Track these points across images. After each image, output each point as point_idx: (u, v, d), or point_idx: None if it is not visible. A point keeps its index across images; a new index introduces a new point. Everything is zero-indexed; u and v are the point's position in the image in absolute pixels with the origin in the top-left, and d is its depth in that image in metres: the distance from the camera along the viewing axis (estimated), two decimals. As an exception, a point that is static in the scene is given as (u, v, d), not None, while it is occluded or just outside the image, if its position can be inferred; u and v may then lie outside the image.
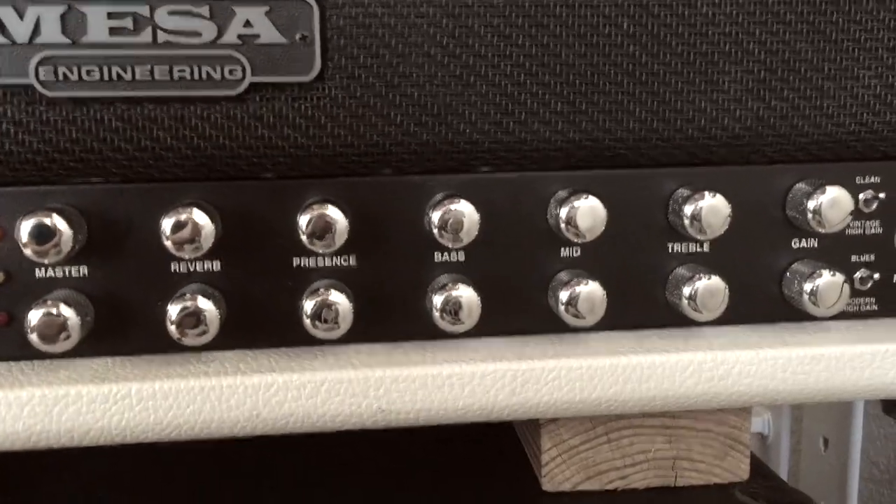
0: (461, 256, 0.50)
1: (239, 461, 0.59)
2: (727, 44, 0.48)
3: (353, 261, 0.49)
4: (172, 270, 0.48)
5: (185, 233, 0.45)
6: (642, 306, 0.51)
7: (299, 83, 0.46)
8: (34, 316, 0.45)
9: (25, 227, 0.44)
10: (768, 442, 1.13)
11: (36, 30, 0.43)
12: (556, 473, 0.53)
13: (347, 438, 0.61)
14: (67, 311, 0.45)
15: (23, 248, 0.44)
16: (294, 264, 0.49)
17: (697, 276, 0.49)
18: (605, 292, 0.48)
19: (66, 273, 0.47)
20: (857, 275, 0.53)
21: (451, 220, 0.47)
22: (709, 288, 0.49)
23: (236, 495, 0.55)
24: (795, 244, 0.52)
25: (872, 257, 0.53)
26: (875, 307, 0.53)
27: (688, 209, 0.49)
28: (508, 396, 0.47)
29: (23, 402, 0.44)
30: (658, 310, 0.51)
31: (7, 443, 0.44)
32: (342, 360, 0.48)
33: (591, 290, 0.48)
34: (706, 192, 0.49)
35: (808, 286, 0.50)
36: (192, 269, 0.48)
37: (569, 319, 0.49)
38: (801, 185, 0.51)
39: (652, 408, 0.49)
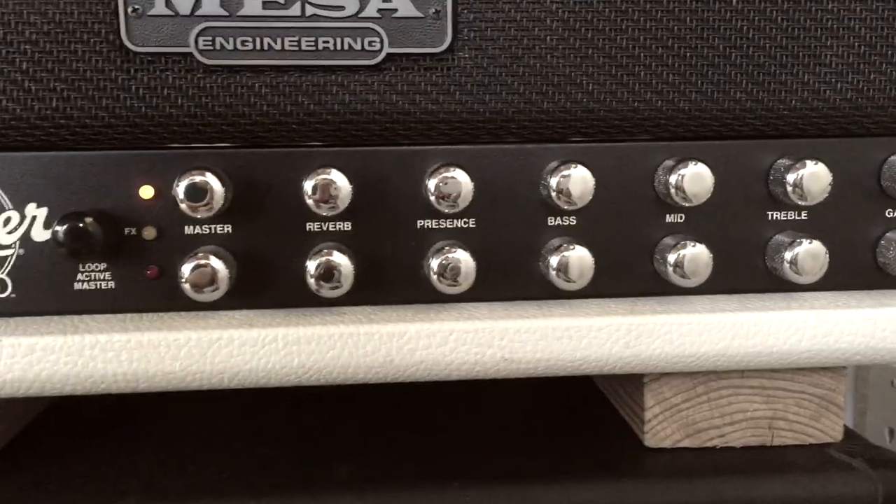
0: (573, 221, 0.53)
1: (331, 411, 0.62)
2: (829, 20, 0.51)
3: (472, 223, 0.52)
4: (308, 229, 0.51)
5: (326, 193, 0.49)
6: (743, 270, 0.54)
7: (431, 54, 0.50)
8: (187, 268, 0.48)
9: (183, 185, 0.48)
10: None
11: (197, 2, 0.47)
12: (658, 430, 0.56)
13: (445, 401, 0.64)
14: (217, 264, 0.49)
15: (179, 204, 0.48)
16: (418, 226, 0.52)
17: (798, 240, 0.52)
18: (710, 255, 0.51)
19: (212, 230, 0.50)
20: (951, 245, 0.55)
21: (566, 186, 0.50)
22: (810, 251, 0.52)
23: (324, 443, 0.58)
24: (889, 213, 0.54)
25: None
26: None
27: (790, 177, 0.52)
28: (623, 349, 0.50)
29: (180, 344, 0.48)
30: (758, 274, 0.54)
31: (164, 382, 0.48)
32: (464, 313, 0.51)
33: (697, 253, 0.51)
34: (808, 161, 0.51)
35: (903, 253, 0.53)
36: (325, 229, 0.51)
37: (676, 280, 0.52)
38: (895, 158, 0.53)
39: (758, 364, 0.51)
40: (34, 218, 0.50)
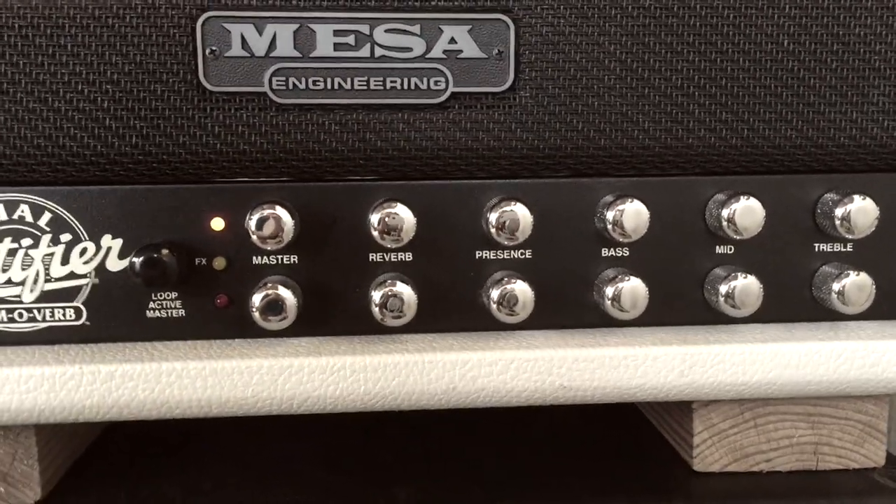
0: (626, 252, 0.54)
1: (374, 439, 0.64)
2: (877, 60, 0.53)
3: (529, 254, 0.54)
4: (370, 260, 0.53)
5: (391, 226, 0.51)
6: (791, 300, 0.56)
7: (494, 93, 0.51)
8: (257, 297, 0.50)
9: (255, 218, 0.50)
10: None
11: (272, 44, 0.49)
12: (707, 455, 0.57)
13: (497, 427, 0.66)
14: (286, 293, 0.51)
15: (250, 235, 0.50)
16: (476, 257, 0.54)
17: (846, 272, 0.54)
18: (760, 286, 0.53)
19: (280, 261, 0.52)
20: None
21: (621, 219, 0.52)
22: (857, 283, 0.54)
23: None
24: (935, 246, 0.56)
25: None
26: None
27: (838, 211, 0.53)
28: (677, 378, 0.52)
29: (252, 372, 0.49)
30: (805, 304, 0.56)
31: (236, 408, 0.50)
32: (523, 342, 0.53)
33: (748, 284, 0.53)
34: (855, 196, 0.53)
35: (946, 284, 0.54)
36: (388, 259, 0.53)
37: (727, 310, 0.54)
38: (939, 191, 0.55)
39: (807, 392, 0.53)
40: (109, 249, 0.52)
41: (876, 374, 0.53)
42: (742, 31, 0.52)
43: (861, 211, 0.53)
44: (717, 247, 0.55)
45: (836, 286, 0.54)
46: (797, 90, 0.53)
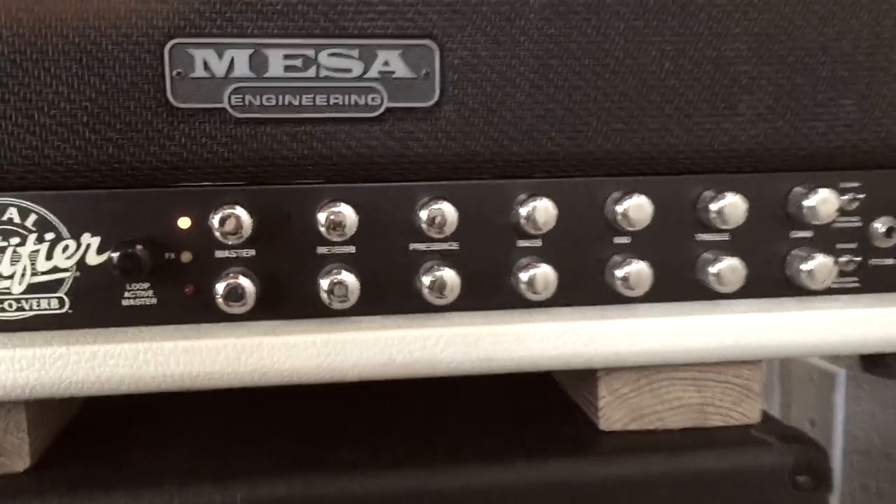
0: (539, 243, 0.64)
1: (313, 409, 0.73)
2: (744, 79, 0.63)
3: (456, 245, 0.63)
4: (319, 252, 0.61)
5: (336, 222, 0.59)
6: (677, 282, 0.65)
7: (422, 108, 0.60)
8: (221, 286, 0.58)
9: (217, 216, 0.58)
10: (759, 429, 1.26)
11: (230, 67, 0.57)
12: (610, 415, 0.67)
13: (428, 397, 0.75)
14: (245, 282, 0.58)
15: (214, 232, 0.58)
16: (410, 248, 0.62)
17: (721, 257, 0.64)
18: (651, 270, 0.63)
19: (239, 254, 0.60)
20: (842, 259, 0.67)
21: (533, 214, 0.61)
22: (730, 266, 0.64)
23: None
24: (794, 234, 0.66)
25: (854, 245, 0.68)
26: (857, 284, 0.68)
27: (714, 206, 0.63)
28: (581, 348, 0.61)
29: (219, 349, 0.57)
30: (689, 286, 0.66)
31: (205, 381, 0.57)
32: (451, 320, 0.62)
33: (640, 268, 0.63)
34: (728, 192, 0.63)
35: (805, 266, 0.65)
36: (333, 252, 0.61)
37: (623, 291, 0.63)
38: (798, 188, 0.66)
39: (688, 358, 0.63)
40: (88, 245, 0.59)
41: (747, 343, 0.63)
42: (630, 54, 0.61)
43: (732, 206, 0.63)
44: (616, 237, 0.65)
45: (712, 269, 0.64)
46: (678, 104, 0.63)
